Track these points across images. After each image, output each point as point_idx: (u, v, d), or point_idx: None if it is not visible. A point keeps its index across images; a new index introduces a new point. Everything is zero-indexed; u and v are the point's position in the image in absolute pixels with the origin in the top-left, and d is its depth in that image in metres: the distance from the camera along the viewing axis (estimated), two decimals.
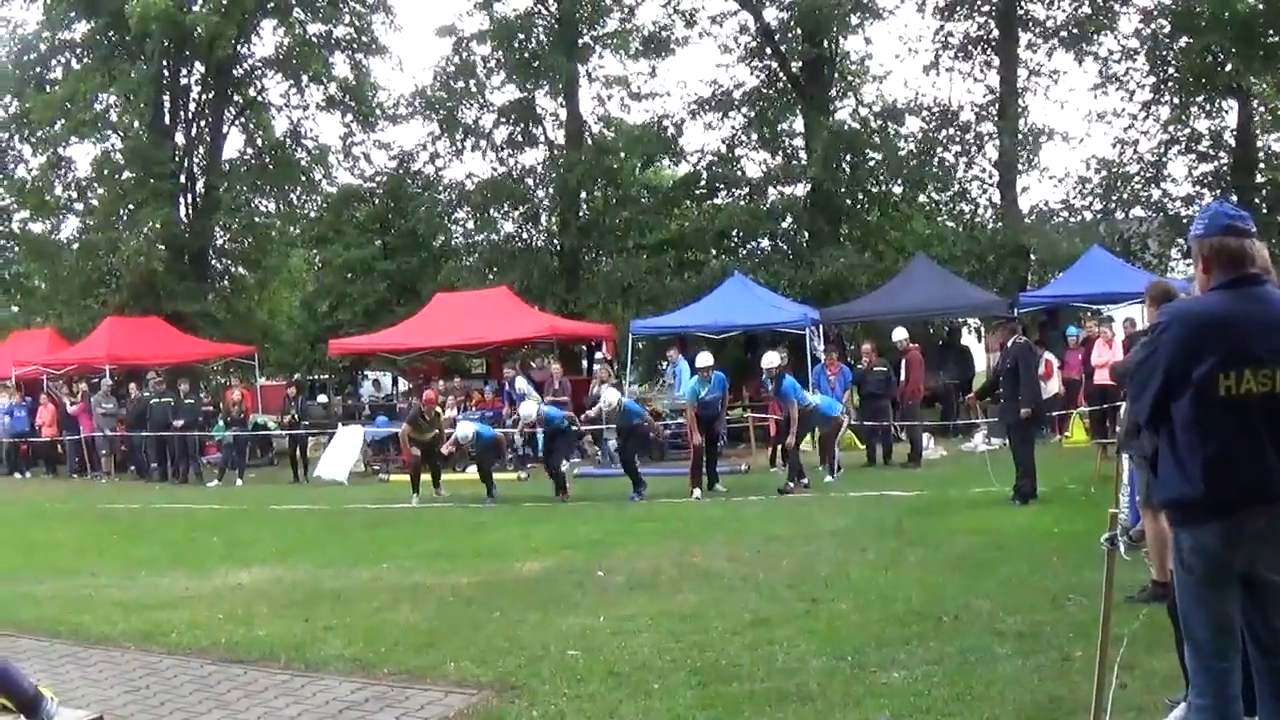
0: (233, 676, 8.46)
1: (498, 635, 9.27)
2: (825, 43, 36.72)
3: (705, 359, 20.26)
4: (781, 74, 37.95)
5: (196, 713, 7.61)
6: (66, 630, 10.26)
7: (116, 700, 7.91)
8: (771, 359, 20.55)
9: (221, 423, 28.95)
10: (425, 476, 21.40)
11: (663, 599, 10.42)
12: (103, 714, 7.31)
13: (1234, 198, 27.77)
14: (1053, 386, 23.57)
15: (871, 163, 36.89)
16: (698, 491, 19.32)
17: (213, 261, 44.29)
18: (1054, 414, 23.62)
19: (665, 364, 25.96)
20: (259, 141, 45.32)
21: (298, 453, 27.81)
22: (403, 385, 34.71)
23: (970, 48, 36.86)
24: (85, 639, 9.91)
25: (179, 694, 8.07)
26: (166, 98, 40.63)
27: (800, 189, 37.68)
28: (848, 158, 36.13)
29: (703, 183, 39.07)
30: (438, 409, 22.31)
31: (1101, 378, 22.53)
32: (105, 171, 41.77)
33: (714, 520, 16.24)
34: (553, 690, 7.61)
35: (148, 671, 8.72)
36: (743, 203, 37.83)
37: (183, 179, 41.35)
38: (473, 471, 22.69)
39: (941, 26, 37.00)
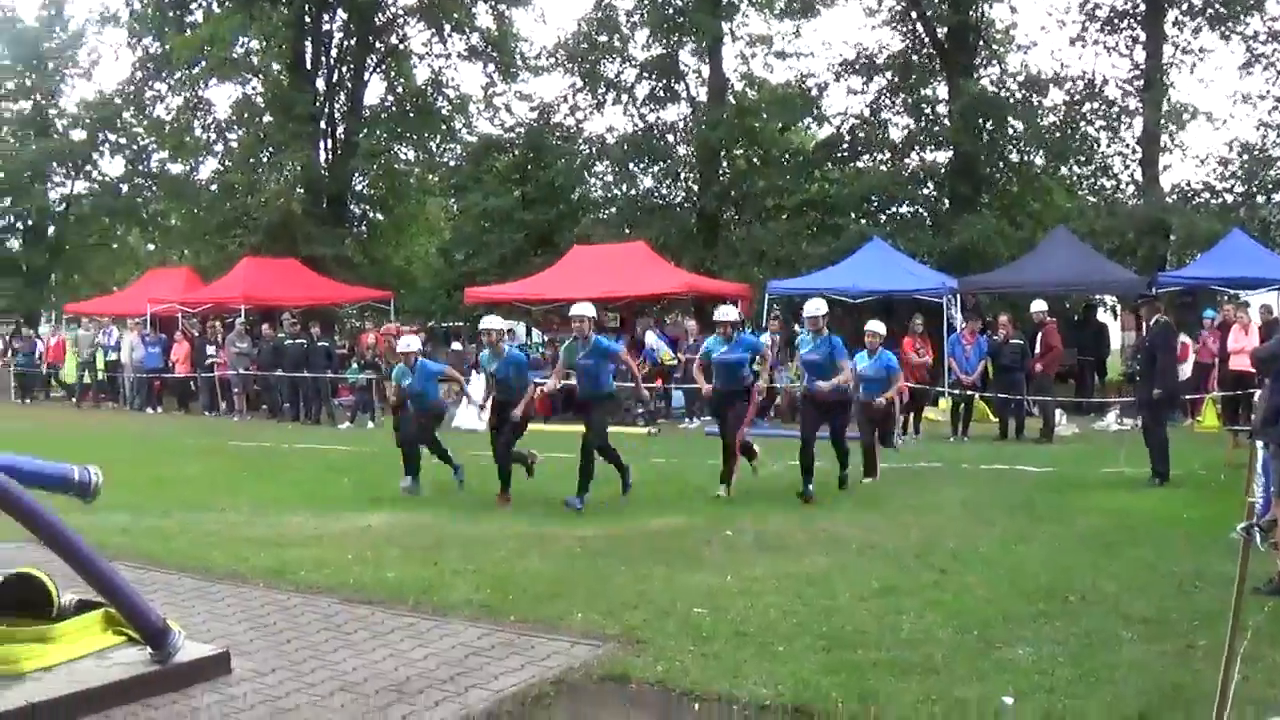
0: (359, 617, 8.57)
1: (625, 589, 9.30)
2: (970, 10, 36.37)
3: (725, 313, 15.57)
4: (926, 39, 37.66)
5: (322, 651, 7.70)
6: (194, 565, 10.43)
7: (242, 636, 8.04)
8: (818, 305, 15.67)
9: (355, 365, 29.33)
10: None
11: (790, 562, 10.39)
12: (228, 648, 7.43)
13: None
14: (1185, 370, 23.18)
15: (1013, 131, 36.51)
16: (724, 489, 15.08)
17: (350, 206, 44.93)
18: (1186, 397, 23.21)
19: (800, 326, 25.76)
20: (400, 89, 45.83)
21: None
22: (537, 336, 34.86)
23: (1117, 21, 36.27)
24: (213, 574, 10.08)
25: (305, 632, 8.19)
26: (308, 43, 41.19)
27: (942, 155, 37.45)
28: (988, 125, 35.79)
29: (845, 146, 38.87)
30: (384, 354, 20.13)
31: (1237, 363, 22.20)
32: (245, 114, 42.44)
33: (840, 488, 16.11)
34: (678, 647, 7.61)
35: (275, 608, 8.87)
36: (884, 167, 37.61)
37: (323, 124, 41.90)
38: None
39: None
